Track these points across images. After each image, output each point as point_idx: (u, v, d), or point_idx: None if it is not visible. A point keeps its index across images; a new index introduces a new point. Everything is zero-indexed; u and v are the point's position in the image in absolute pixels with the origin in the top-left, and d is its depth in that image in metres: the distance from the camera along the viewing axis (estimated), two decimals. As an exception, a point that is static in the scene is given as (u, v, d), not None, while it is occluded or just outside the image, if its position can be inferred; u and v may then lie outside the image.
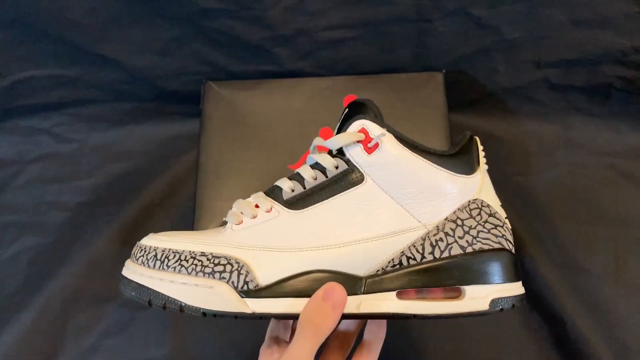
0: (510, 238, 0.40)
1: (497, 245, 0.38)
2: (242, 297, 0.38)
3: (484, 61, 0.64)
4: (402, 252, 0.38)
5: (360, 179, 0.39)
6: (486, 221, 0.39)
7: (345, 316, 0.37)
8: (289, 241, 0.39)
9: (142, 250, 0.41)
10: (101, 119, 0.73)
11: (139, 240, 0.43)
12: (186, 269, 0.38)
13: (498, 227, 0.39)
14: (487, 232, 0.38)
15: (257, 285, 0.38)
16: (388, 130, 0.39)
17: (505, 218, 0.41)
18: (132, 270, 0.40)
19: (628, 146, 0.68)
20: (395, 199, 0.39)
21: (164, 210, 0.68)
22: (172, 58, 0.65)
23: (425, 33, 0.61)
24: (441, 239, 0.38)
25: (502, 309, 0.37)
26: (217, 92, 0.65)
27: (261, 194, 0.42)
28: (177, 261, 0.39)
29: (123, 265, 0.64)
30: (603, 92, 0.67)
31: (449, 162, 0.39)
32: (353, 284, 0.38)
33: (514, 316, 0.60)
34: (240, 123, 0.64)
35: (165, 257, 0.39)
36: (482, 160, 0.42)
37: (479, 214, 0.39)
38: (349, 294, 0.37)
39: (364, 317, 0.39)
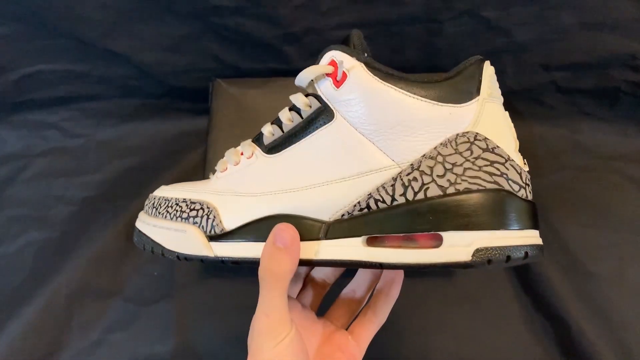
0: (518, 179, 0.33)
1: (490, 186, 0.32)
2: (209, 241, 0.37)
3: (493, 63, 0.63)
4: (370, 194, 0.34)
5: (331, 117, 0.36)
6: (478, 157, 0.33)
7: (303, 262, 0.35)
8: (258, 186, 0.38)
9: (148, 199, 0.44)
10: (109, 115, 0.73)
11: None
12: (170, 214, 0.40)
13: (495, 164, 0.33)
14: (477, 170, 0.32)
15: (223, 230, 0.37)
16: (362, 60, 0.35)
17: (525, 162, 0.35)
18: (138, 218, 0.43)
19: (635, 150, 0.68)
20: (366, 136, 0.34)
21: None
22: (181, 55, 0.65)
23: (435, 34, 0.61)
24: (415, 179, 0.33)
25: (489, 261, 0.31)
26: (226, 89, 0.65)
27: (249, 140, 0.41)
28: (165, 208, 0.40)
29: (128, 260, 0.65)
30: (611, 95, 0.67)
31: (433, 89, 0.34)
32: (315, 229, 0.35)
33: (518, 318, 0.60)
34: (248, 121, 0.64)
35: (159, 204, 0.41)
36: (489, 86, 0.35)
37: (469, 148, 0.33)
38: (310, 239, 0.35)
39: (324, 264, 0.36)
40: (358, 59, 0.35)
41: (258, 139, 0.40)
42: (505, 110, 0.68)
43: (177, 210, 0.39)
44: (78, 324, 0.62)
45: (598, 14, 0.58)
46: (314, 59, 0.64)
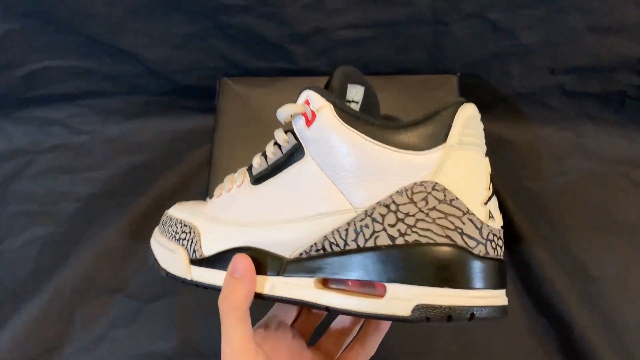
0: (476, 234, 0.32)
1: (442, 240, 0.31)
2: (190, 264, 0.39)
3: (499, 65, 0.64)
4: (325, 236, 0.34)
5: (302, 154, 0.36)
6: (433, 208, 0.32)
7: (257, 296, 0.36)
8: (236, 215, 0.39)
9: (163, 215, 0.46)
10: (115, 112, 0.73)
11: (149, 233, 0.46)
12: (169, 233, 0.42)
13: (450, 217, 0.31)
14: (430, 222, 0.31)
15: (201, 255, 0.39)
16: (330, 101, 0.34)
17: (491, 217, 0.33)
18: (153, 233, 0.45)
19: (640, 155, 0.68)
20: (330, 177, 0.34)
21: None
22: (188, 53, 0.65)
23: (441, 35, 0.61)
24: (367, 225, 0.33)
25: (427, 319, 0.30)
26: (232, 88, 0.66)
27: (243, 169, 0.42)
28: (168, 226, 0.43)
29: (132, 257, 0.65)
30: (617, 99, 0.67)
31: (397, 135, 0.33)
32: (275, 264, 0.36)
33: (521, 321, 0.60)
34: (254, 119, 0.64)
35: (165, 222, 0.44)
36: (460, 132, 0.33)
37: (424, 199, 0.32)
38: (268, 274, 0.36)
39: (276, 300, 0.36)
40: (327, 100, 0.34)
41: (249, 168, 0.41)
42: (511, 113, 0.69)
43: (174, 230, 0.42)
44: (81, 320, 0.63)
45: (605, 17, 0.58)
46: (320, 58, 0.65)
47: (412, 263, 0.31)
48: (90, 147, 0.74)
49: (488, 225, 0.32)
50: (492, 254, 0.32)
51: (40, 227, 0.69)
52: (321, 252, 0.34)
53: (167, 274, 0.41)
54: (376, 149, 0.33)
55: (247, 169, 0.41)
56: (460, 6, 0.57)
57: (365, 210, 0.33)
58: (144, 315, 0.63)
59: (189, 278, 0.39)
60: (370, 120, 0.34)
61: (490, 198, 0.33)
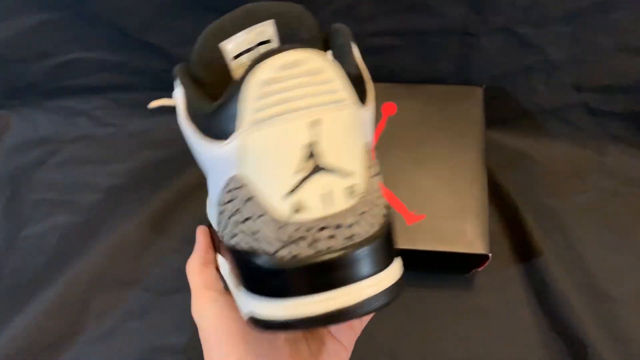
0: (272, 237, 0.26)
1: (247, 246, 0.27)
2: None
3: (525, 80, 0.65)
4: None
5: None
6: (237, 210, 0.28)
7: None
8: None
9: None
10: (140, 106, 0.73)
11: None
12: None
13: (248, 221, 0.27)
14: (238, 226, 0.28)
15: None
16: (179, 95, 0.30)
17: (298, 211, 0.25)
18: None
19: (662, 177, 0.68)
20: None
21: (195, 200, 0.69)
22: (216, 51, 0.66)
23: (469, 47, 0.61)
24: (219, 224, 0.30)
25: (264, 329, 0.27)
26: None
27: None
28: None
29: (150, 250, 0.65)
30: (641, 120, 0.67)
31: (210, 122, 0.28)
32: None
33: (534, 336, 0.60)
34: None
35: None
36: (255, 107, 0.25)
37: (232, 199, 0.28)
38: None
39: None
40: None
41: None
42: (534, 128, 0.69)
43: None
44: (96, 310, 0.63)
45: (634, 38, 0.58)
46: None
47: (240, 270, 0.29)
48: (114, 139, 0.74)
49: (292, 222, 0.25)
50: (306, 253, 0.26)
51: (60, 215, 0.70)
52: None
53: None
54: (200, 142, 0.29)
55: None
56: (490, 19, 0.57)
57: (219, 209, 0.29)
58: (158, 309, 0.63)
59: None
60: (199, 106, 0.29)
61: (304, 179, 0.25)
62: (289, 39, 0.32)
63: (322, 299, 0.25)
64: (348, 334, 0.38)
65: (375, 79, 0.65)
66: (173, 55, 0.67)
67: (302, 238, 0.25)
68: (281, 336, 0.35)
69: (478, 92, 0.64)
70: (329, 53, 0.30)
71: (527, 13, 0.57)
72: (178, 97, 0.31)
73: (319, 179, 0.25)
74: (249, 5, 0.31)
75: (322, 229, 0.25)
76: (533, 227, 0.64)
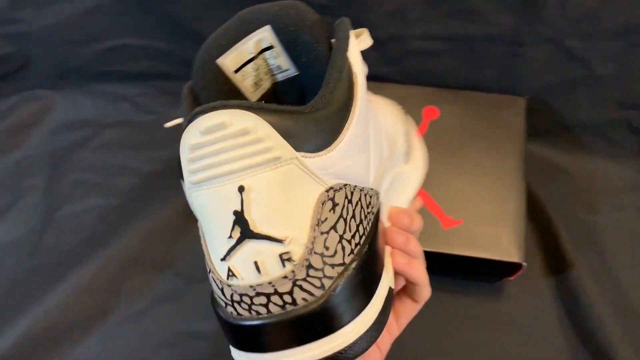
0: (219, 294, 0.27)
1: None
2: None
3: (568, 93, 0.65)
4: None
5: None
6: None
7: None
8: None
9: None
10: (184, 96, 0.75)
11: None
12: None
13: (209, 272, 0.28)
14: None
15: None
16: None
17: (231, 275, 0.25)
18: None
19: (700, 199, 0.67)
20: None
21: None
22: (264, 46, 0.66)
23: (515, 56, 0.61)
24: None
25: None
26: (302, 84, 0.67)
27: None
28: None
29: (184, 236, 0.66)
30: (683, 141, 0.66)
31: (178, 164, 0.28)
32: None
33: (563, 350, 0.59)
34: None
35: None
36: (189, 169, 0.25)
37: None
38: None
39: None
40: None
41: None
42: (573, 142, 0.69)
43: None
44: (127, 292, 0.64)
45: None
46: (391, 66, 0.66)
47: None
48: (155, 126, 0.75)
49: (229, 285, 0.25)
50: (247, 315, 0.25)
51: (98, 197, 0.71)
52: None
53: None
54: None
55: None
56: (539, 30, 0.58)
57: None
58: (188, 295, 0.64)
59: None
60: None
61: (235, 246, 0.25)
62: (290, 43, 0.29)
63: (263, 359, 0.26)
64: (384, 337, 0.37)
65: (419, 82, 0.67)
66: (221, 47, 0.67)
67: (240, 301, 0.25)
68: None
69: (521, 102, 0.64)
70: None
71: (577, 26, 0.57)
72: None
73: (248, 247, 0.24)
74: (242, 12, 0.29)
75: (258, 294, 0.25)
76: (567, 240, 0.64)
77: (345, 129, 0.26)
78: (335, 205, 0.25)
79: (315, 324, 0.25)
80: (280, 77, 0.31)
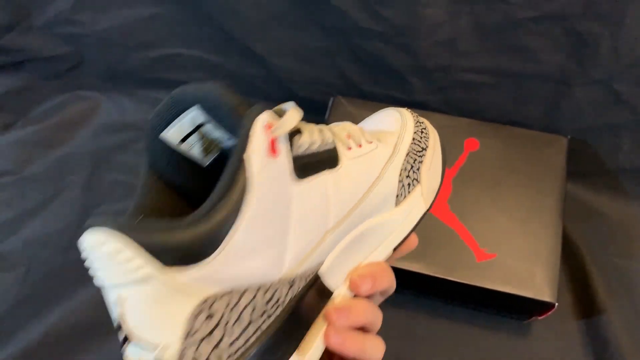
0: None
1: None
2: None
3: (612, 136, 0.64)
4: None
5: None
6: None
7: None
8: None
9: None
10: (227, 108, 0.77)
11: None
12: None
13: None
14: None
15: None
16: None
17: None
18: None
19: None
20: None
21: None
22: (312, 66, 0.68)
23: (562, 96, 0.62)
24: None
25: None
26: (345, 106, 0.68)
27: None
28: None
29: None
30: None
31: None
32: None
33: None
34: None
35: None
36: (90, 269, 0.27)
37: None
38: None
39: None
40: None
41: None
42: (612, 186, 0.68)
43: None
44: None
45: None
46: (437, 95, 0.67)
47: None
48: (195, 135, 0.77)
49: None
50: None
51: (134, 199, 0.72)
52: None
53: None
54: None
55: None
56: (589, 71, 0.58)
57: None
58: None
59: None
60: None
61: (123, 343, 0.26)
62: (220, 121, 0.30)
63: None
64: None
65: (463, 113, 0.67)
66: (270, 64, 0.69)
67: None
68: None
69: (562, 142, 0.64)
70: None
71: (629, 71, 0.57)
72: None
73: (130, 350, 0.26)
74: (174, 92, 0.31)
75: None
76: (599, 284, 0.63)
77: (229, 237, 0.26)
78: (210, 315, 0.26)
79: None
80: (226, 144, 0.32)
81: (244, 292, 0.27)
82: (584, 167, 0.69)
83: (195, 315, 0.26)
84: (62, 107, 0.81)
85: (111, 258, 0.24)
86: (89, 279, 0.60)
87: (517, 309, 0.60)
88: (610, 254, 0.66)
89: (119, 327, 0.25)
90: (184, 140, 0.31)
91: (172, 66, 0.73)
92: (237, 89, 0.70)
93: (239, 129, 0.27)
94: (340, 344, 0.30)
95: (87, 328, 0.61)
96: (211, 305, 0.26)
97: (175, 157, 0.30)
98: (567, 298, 0.63)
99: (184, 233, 0.25)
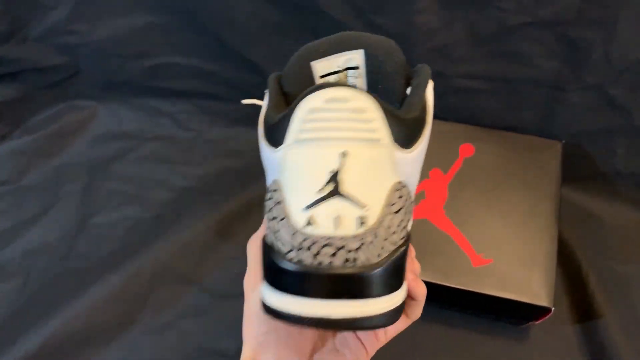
0: (287, 239, 0.30)
1: (269, 240, 0.31)
2: None
3: (606, 141, 0.65)
4: None
5: None
6: (271, 209, 0.31)
7: None
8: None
9: None
10: (223, 116, 0.77)
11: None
12: None
13: (274, 221, 0.31)
14: (270, 222, 0.31)
15: None
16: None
17: (309, 224, 0.29)
18: None
19: None
20: None
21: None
22: (307, 74, 0.68)
23: (556, 101, 0.62)
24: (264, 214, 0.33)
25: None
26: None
27: None
28: None
29: (213, 253, 0.67)
30: None
31: (272, 130, 0.32)
32: None
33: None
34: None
35: None
36: (298, 129, 0.30)
37: (271, 197, 0.31)
38: None
39: None
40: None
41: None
42: (608, 190, 0.68)
43: None
44: (154, 304, 0.65)
45: None
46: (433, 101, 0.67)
47: (262, 259, 0.32)
48: (192, 143, 0.77)
49: (303, 233, 0.29)
50: (309, 262, 0.29)
51: (132, 208, 0.72)
52: None
53: None
54: (262, 143, 0.33)
55: None
56: (583, 76, 0.58)
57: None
58: (213, 311, 0.64)
59: None
60: (270, 114, 0.32)
61: (322, 200, 0.29)
62: (374, 69, 0.34)
63: (312, 304, 0.28)
64: (372, 340, 0.39)
65: (458, 119, 0.68)
66: (265, 72, 0.69)
67: (308, 248, 0.29)
68: None
69: (557, 147, 0.65)
70: (409, 90, 0.33)
71: (622, 76, 0.58)
72: (264, 102, 0.34)
73: (334, 202, 0.28)
74: (345, 32, 0.34)
75: (326, 245, 0.28)
76: (596, 288, 0.63)
77: (420, 139, 0.31)
78: (401, 196, 0.30)
79: (359, 285, 0.28)
80: None
81: (409, 191, 0.31)
82: (580, 171, 0.69)
83: (395, 190, 0.29)
84: (59, 117, 0.81)
85: (354, 113, 0.28)
86: (86, 289, 0.61)
87: (513, 314, 0.60)
88: (607, 258, 0.66)
89: (331, 180, 0.28)
90: (324, 76, 0.35)
91: (169, 74, 0.74)
92: (233, 96, 0.70)
93: (397, 78, 0.33)
94: (413, 280, 0.35)
95: (85, 337, 0.61)
96: (402, 188, 0.30)
97: (305, 86, 0.32)
98: (563, 302, 0.63)
99: (403, 119, 0.29)
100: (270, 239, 0.30)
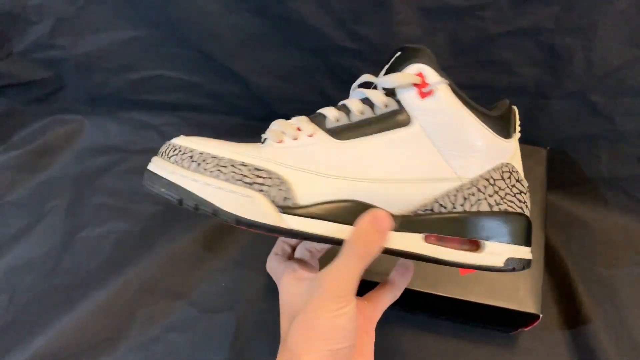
0: (529, 205, 0.41)
1: (519, 210, 0.39)
2: (280, 212, 0.37)
3: (589, 147, 0.65)
4: (436, 199, 0.39)
5: (407, 122, 0.38)
6: (514, 185, 0.39)
7: None
8: (329, 168, 0.38)
9: (175, 149, 0.39)
10: (209, 127, 0.77)
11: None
12: (224, 174, 0.37)
13: (522, 194, 0.40)
14: (512, 196, 0.39)
15: (296, 204, 0.37)
16: (447, 80, 0.38)
17: (527, 187, 0.41)
18: (162, 167, 0.39)
19: None
20: (438, 148, 0.38)
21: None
22: (292, 84, 0.68)
23: (538, 108, 0.62)
24: (473, 194, 0.39)
25: (513, 269, 0.39)
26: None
27: (304, 117, 0.41)
28: (214, 166, 0.37)
29: (201, 266, 0.66)
30: None
31: (492, 122, 0.39)
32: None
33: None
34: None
35: (203, 160, 0.38)
36: (518, 128, 0.42)
37: (509, 177, 0.39)
38: None
39: (392, 253, 0.38)
40: (444, 78, 0.38)
41: (316, 119, 0.40)
42: (592, 196, 0.69)
43: (235, 173, 0.37)
44: (141, 318, 0.64)
45: None
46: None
47: (505, 226, 0.38)
48: (179, 156, 0.77)
49: (529, 198, 0.41)
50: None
51: (119, 222, 0.72)
52: (429, 212, 0.39)
53: (239, 220, 0.36)
54: (484, 131, 0.38)
55: (311, 119, 0.40)
56: (564, 83, 0.59)
57: (471, 181, 0.39)
58: (201, 325, 0.64)
59: (284, 226, 0.37)
60: (475, 105, 0.39)
61: None
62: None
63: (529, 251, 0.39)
64: (367, 322, 0.44)
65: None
66: (250, 84, 0.69)
67: (529, 209, 0.40)
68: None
69: (542, 153, 0.65)
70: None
71: (602, 82, 0.58)
72: (442, 81, 0.38)
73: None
74: (408, 45, 0.40)
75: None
76: (584, 293, 0.63)
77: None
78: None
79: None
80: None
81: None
82: (565, 177, 0.69)
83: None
84: (44, 132, 0.81)
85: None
86: (73, 304, 0.60)
87: (502, 322, 0.60)
88: (594, 264, 0.66)
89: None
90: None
91: (154, 87, 0.74)
92: (218, 108, 0.70)
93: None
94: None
95: (72, 353, 0.61)
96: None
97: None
98: (552, 308, 0.63)
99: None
100: (521, 207, 0.39)
